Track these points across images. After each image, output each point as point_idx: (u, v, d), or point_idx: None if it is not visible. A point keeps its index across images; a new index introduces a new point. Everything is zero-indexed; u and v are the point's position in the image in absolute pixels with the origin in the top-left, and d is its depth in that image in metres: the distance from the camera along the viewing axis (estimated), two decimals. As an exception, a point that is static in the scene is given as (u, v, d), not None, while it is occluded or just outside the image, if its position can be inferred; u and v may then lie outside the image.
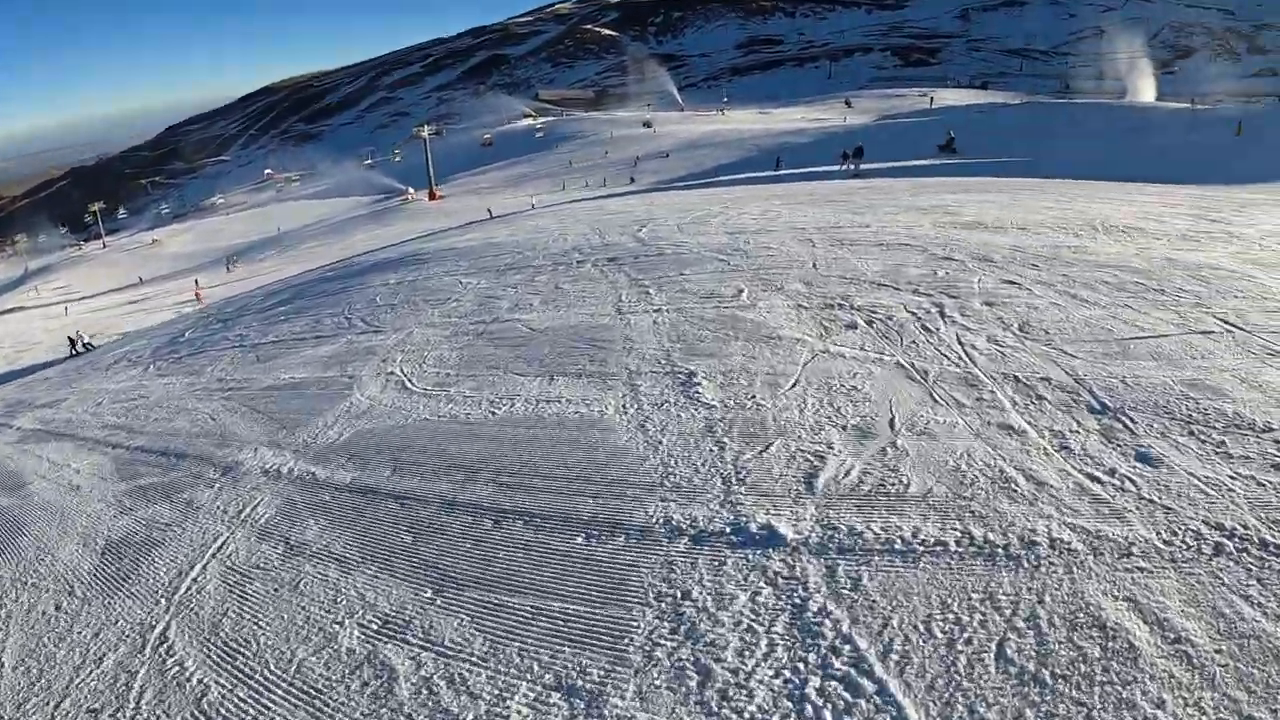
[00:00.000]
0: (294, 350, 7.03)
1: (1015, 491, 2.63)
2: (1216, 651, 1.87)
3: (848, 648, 2.03)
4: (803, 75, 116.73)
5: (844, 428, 3.30)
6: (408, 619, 2.55)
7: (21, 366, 18.54)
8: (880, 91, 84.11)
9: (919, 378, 3.75)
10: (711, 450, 3.28)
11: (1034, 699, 1.80)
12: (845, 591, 2.24)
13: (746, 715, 1.91)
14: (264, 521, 3.55)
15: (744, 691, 1.98)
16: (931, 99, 67.80)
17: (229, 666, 2.53)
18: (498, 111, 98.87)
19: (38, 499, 4.70)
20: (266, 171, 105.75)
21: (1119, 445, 2.89)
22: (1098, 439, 2.95)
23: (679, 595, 2.38)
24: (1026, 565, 2.24)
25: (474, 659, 2.29)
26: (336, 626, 2.60)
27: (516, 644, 2.31)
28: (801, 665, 2.01)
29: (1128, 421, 3.06)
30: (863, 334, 4.48)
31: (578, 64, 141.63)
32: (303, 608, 2.76)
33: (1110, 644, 1.93)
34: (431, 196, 52.21)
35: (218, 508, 3.83)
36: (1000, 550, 2.32)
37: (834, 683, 1.95)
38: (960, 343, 4.16)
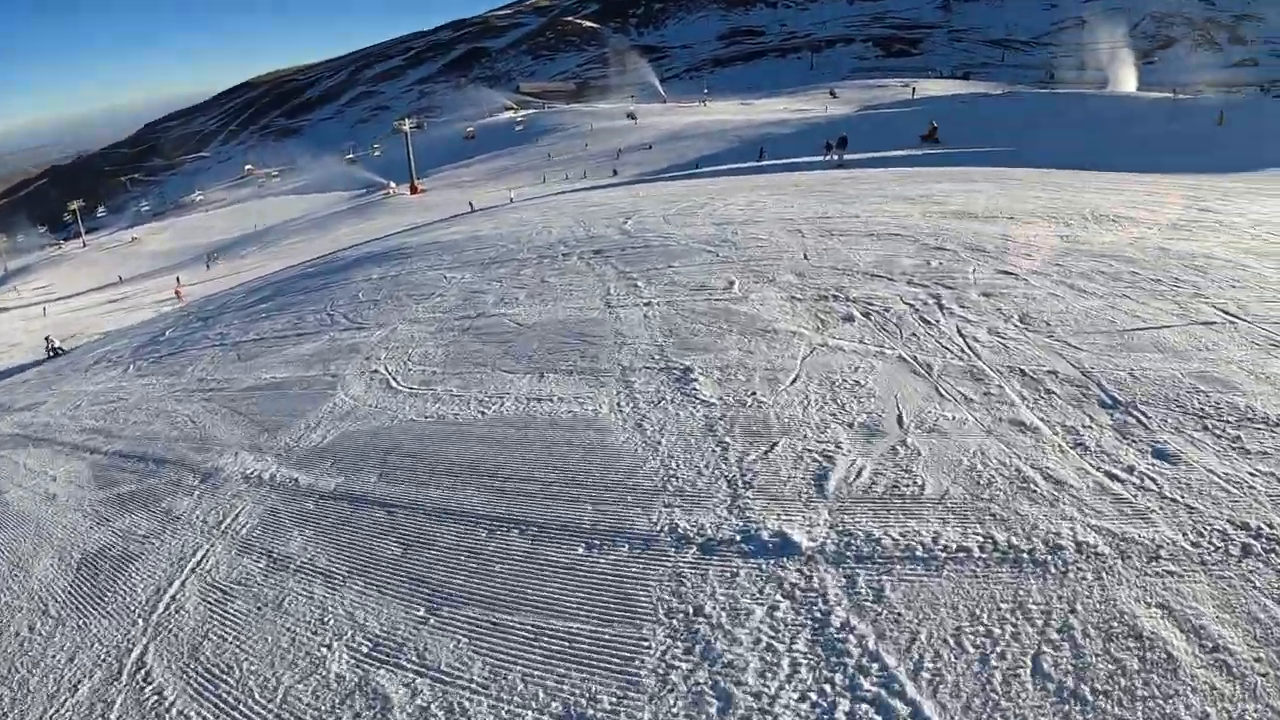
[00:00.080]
0: (276, 349, 6.85)
1: (1035, 492, 2.53)
2: (1256, 660, 1.79)
3: (875, 666, 1.91)
4: (785, 66, 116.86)
5: (850, 425, 3.18)
6: (400, 641, 2.38)
7: (1, 369, 18.08)
8: (862, 82, 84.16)
9: (923, 372, 3.65)
10: (714, 451, 3.15)
11: (1076, 718, 1.69)
12: (868, 604, 2.12)
13: (773, 744, 1.78)
14: (245, 533, 3.38)
15: (769, 718, 1.84)
16: (913, 89, 67.91)
17: (211, 695, 2.36)
18: (479, 104, 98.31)
19: (14, 509, 4.52)
20: (247, 167, 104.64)
21: (1135, 441, 2.80)
22: (1112, 435, 2.87)
23: (691, 611, 2.23)
24: (1054, 571, 2.14)
25: (474, 685, 2.13)
26: (324, 650, 2.43)
27: (519, 668, 2.15)
28: (828, 687, 1.88)
29: (1141, 416, 2.98)
30: (860, 326, 4.38)
31: (559, 56, 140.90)
32: (288, 628, 2.58)
33: (1148, 654, 1.83)
34: (413, 190, 51.91)
35: (197, 518, 3.66)
36: (1026, 556, 2.21)
37: (864, 705, 1.82)
38: (961, 335, 4.07)
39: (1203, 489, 2.45)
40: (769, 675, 1.96)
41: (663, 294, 5.71)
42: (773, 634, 2.08)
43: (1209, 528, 2.25)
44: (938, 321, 4.30)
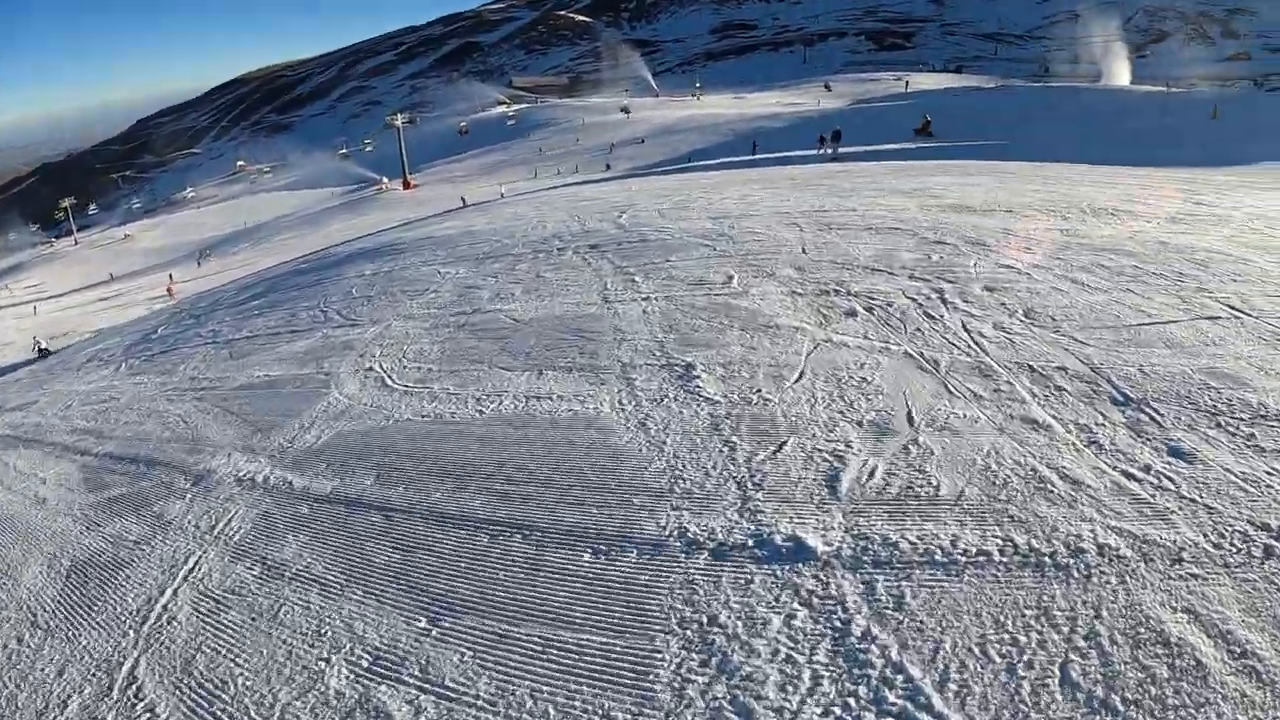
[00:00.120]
0: (268, 346, 6.74)
1: (1052, 492, 2.47)
2: (1285, 666, 1.73)
3: (900, 678, 1.84)
4: (777, 60, 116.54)
5: (860, 423, 3.11)
6: (402, 654, 2.29)
7: (-5, 368, 17.88)
8: (855, 76, 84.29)
9: (930, 368, 3.59)
10: (721, 451, 3.07)
11: (1109, 730, 1.64)
12: (888, 612, 2.04)
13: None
14: (238, 538, 3.28)
15: (792, 735, 1.77)
16: (906, 83, 67.97)
17: (205, 713, 2.26)
18: (471, 99, 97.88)
19: (2, 513, 4.40)
20: (238, 163, 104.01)
21: (1149, 439, 2.75)
22: (1126, 433, 2.81)
23: (705, 620, 2.14)
24: (1077, 575, 2.07)
25: (480, 702, 2.04)
26: (322, 664, 2.33)
27: (527, 683, 2.06)
28: (852, 701, 1.81)
29: (1153, 413, 2.93)
30: (864, 322, 4.31)
31: (551, 50, 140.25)
32: (284, 641, 2.49)
33: (1177, 661, 1.78)
34: (406, 186, 51.67)
35: (189, 522, 3.56)
36: (1048, 559, 2.15)
37: (891, 720, 1.75)
38: (967, 330, 4.01)
39: (1221, 488, 2.40)
40: (790, 689, 1.88)
41: (661, 289, 5.63)
42: (792, 645, 2.01)
43: (1230, 529, 2.20)
44: (942, 316, 4.24)
